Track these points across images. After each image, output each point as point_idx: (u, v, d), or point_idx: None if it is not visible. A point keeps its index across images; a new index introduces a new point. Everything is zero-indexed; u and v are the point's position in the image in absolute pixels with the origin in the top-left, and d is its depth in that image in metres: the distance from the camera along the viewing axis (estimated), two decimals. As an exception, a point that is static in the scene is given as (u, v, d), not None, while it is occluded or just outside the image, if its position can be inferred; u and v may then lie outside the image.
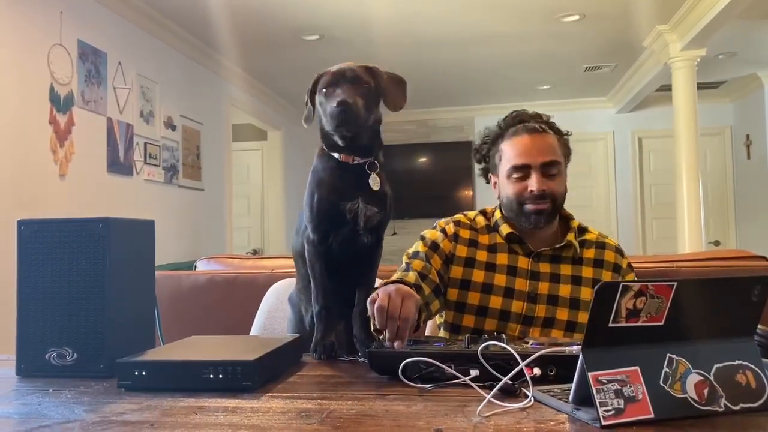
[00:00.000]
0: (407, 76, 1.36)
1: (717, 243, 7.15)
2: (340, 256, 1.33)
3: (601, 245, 1.63)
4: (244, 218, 7.26)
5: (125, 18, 4.26)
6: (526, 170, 1.55)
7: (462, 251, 1.61)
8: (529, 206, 1.54)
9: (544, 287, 1.55)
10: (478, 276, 1.57)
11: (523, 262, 1.58)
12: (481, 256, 1.60)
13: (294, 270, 1.47)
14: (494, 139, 1.65)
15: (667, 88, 5.49)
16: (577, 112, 7.56)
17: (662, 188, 7.15)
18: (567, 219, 1.66)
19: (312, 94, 1.33)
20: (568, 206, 1.68)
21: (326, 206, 1.30)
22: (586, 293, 1.55)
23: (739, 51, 5.71)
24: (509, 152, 1.58)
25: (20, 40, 3.36)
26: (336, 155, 1.31)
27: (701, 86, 5.53)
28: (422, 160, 8.01)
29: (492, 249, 1.61)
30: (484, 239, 1.63)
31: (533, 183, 1.53)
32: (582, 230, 1.65)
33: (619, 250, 1.65)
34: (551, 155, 1.56)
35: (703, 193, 5.12)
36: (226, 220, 5.78)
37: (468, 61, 5.84)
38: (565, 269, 1.58)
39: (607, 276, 1.58)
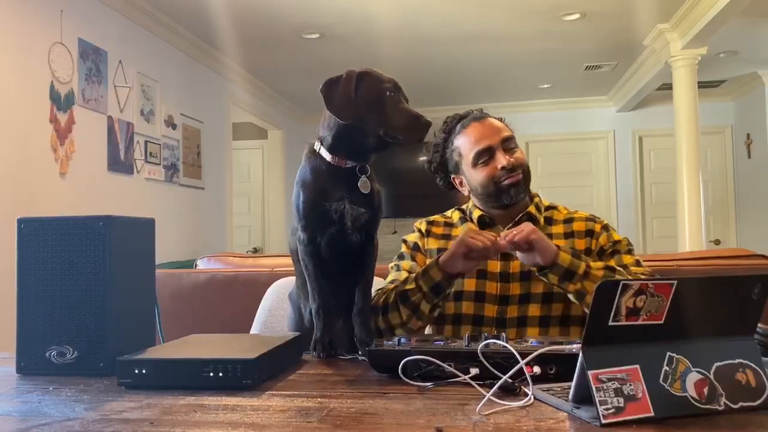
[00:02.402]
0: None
1: (717, 242, 7.14)
2: (329, 255, 1.33)
3: (569, 220, 1.65)
4: (245, 217, 7.27)
5: (126, 16, 4.26)
6: (491, 152, 1.59)
7: (433, 244, 1.67)
8: (505, 182, 1.58)
9: (515, 266, 1.57)
10: None
11: None
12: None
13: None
14: (443, 144, 1.70)
15: (668, 87, 5.48)
16: (578, 111, 7.56)
17: (663, 187, 7.15)
18: (532, 197, 1.69)
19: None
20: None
21: (312, 207, 1.30)
22: None
23: (740, 50, 5.71)
24: (467, 143, 1.63)
25: (21, 39, 3.36)
26: (328, 158, 1.30)
27: (702, 85, 5.53)
28: (423, 158, 7.97)
29: None
30: (457, 231, 1.68)
31: (501, 159, 1.58)
32: (550, 208, 1.69)
33: (590, 219, 1.66)
34: (506, 131, 1.62)
35: (704, 192, 5.12)
36: (227, 218, 5.78)
37: (468, 59, 5.83)
38: None
39: (580, 244, 1.59)
